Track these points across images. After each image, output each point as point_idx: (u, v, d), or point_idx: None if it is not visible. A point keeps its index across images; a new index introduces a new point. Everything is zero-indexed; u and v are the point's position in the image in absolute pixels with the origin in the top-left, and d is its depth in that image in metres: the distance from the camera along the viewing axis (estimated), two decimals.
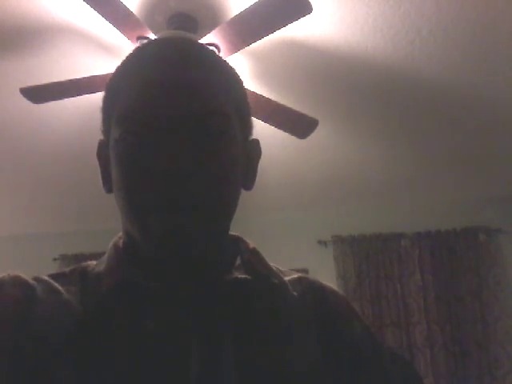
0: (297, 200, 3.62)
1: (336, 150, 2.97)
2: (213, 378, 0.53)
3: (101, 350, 0.53)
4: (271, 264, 0.65)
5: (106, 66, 2.08)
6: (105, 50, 2.06)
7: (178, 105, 0.54)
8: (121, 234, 0.63)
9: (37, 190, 3.37)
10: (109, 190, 0.61)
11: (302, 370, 0.57)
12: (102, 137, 0.63)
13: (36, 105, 2.04)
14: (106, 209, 1.63)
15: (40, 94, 1.97)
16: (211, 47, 1.74)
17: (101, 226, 2.90)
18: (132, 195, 0.55)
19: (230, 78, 0.61)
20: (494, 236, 3.57)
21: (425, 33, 2.07)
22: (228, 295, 0.57)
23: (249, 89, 1.82)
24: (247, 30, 1.71)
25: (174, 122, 0.54)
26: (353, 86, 2.40)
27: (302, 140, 2.22)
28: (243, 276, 0.59)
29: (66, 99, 2.07)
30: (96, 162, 0.63)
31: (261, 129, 1.75)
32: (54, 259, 3.77)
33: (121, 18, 1.68)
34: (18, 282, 0.57)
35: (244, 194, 0.62)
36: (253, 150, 0.65)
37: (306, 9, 1.61)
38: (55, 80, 1.96)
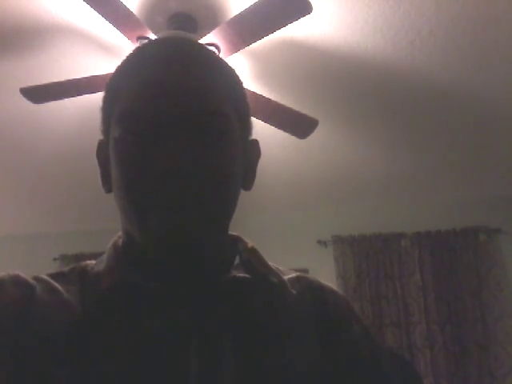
0: (297, 200, 3.61)
1: (336, 150, 2.97)
2: (212, 377, 0.53)
3: (101, 349, 0.53)
4: (270, 263, 0.65)
5: (106, 66, 2.08)
6: (105, 50, 2.07)
7: (178, 105, 0.54)
8: (120, 233, 0.63)
9: (37, 190, 3.38)
10: (108, 189, 0.61)
11: (302, 369, 0.58)
12: (101, 137, 0.63)
13: (36, 105, 2.04)
14: (106, 209, 1.63)
15: (40, 93, 1.97)
16: (211, 47, 1.74)
17: (101, 226, 2.89)
18: (132, 195, 0.55)
19: (229, 78, 0.61)
20: (494, 236, 3.57)
21: (425, 33, 2.07)
22: (227, 294, 0.57)
23: (249, 89, 1.82)
24: (247, 30, 1.71)
25: (174, 122, 0.54)
26: (353, 86, 2.40)
27: (302, 140, 2.22)
28: (242, 275, 0.59)
29: (66, 99, 2.08)
30: (96, 162, 0.63)
31: (261, 129, 1.75)
32: (54, 259, 3.77)
33: (121, 18, 1.68)
34: (17, 281, 0.57)
35: (244, 193, 0.62)
36: (252, 150, 0.65)
37: (305, 9, 1.61)
38: (55, 80, 1.96)
